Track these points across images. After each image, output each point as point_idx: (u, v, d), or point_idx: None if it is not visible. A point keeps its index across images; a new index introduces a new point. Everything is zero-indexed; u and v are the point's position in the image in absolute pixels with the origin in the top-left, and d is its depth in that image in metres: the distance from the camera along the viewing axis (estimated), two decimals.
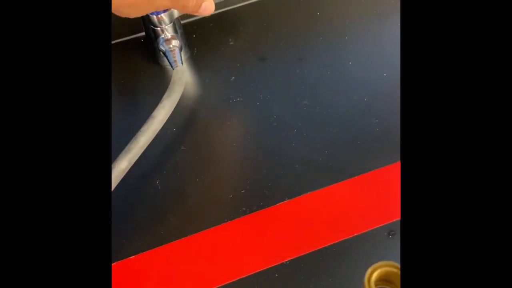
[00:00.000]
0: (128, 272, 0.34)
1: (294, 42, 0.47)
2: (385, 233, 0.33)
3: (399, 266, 0.18)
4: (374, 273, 0.18)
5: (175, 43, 0.42)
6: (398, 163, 0.36)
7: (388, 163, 0.37)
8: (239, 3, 0.51)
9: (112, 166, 0.35)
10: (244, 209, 0.36)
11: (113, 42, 0.50)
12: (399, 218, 0.34)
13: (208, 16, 0.41)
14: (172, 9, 0.42)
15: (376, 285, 0.18)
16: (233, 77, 0.45)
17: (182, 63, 0.41)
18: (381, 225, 0.34)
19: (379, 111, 0.40)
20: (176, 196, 0.38)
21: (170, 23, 0.42)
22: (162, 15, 0.41)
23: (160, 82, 0.45)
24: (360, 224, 0.34)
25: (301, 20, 0.49)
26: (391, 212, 0.34)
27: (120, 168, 0.34)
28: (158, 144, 0.39)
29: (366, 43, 0.46)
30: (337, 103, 0.41)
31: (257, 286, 0.32)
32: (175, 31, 0.42)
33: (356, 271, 0.31)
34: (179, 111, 0.41)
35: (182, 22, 0.47)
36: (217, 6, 0.43)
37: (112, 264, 0.34)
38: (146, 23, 0.42)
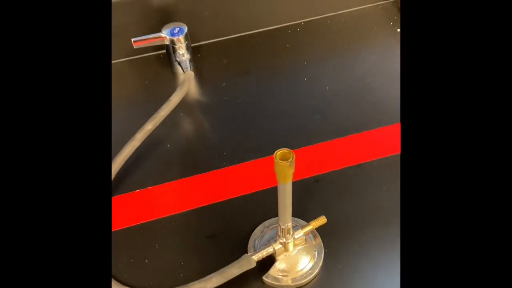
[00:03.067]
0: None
1: (269, 62, 0.68)
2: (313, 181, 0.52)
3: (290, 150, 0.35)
4: (278, 153, 0.36)
5: (187, 56, 0.62)
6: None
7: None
8: (231, 35, 0.72)
9: (141, 127, 0.54)
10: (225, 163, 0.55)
11: (140, 56, 0.70)
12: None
13: (209, 42, 0.61)
14: (185, 31, 0.62)
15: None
16: (224, 83, 0.65)
17: (190, 69, 0.61)
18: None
19: (321, 109, 0.60)
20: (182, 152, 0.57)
21: (184, 43, 0.62)
22: (180, 37, 0.61)
23: (174, 83, 0.65)
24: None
25: (275, 48, 0.70)
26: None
27: (147, 129, 0.53)
28: (170, 120, 0.58)
29: (321, 66, 0.66)
30: (291, 102, 0.61)
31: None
32: (187, 48, 0.63)
33: None
34: (186, 100, 0.61)
35: (191, 45, 0.68)
36: (216, 35, 0.64)
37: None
38: (168, 46, 0.63)
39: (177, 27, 0.62)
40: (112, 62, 0.69)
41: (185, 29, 0.62)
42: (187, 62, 0.62)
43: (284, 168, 0.36)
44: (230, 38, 0.72)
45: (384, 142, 0.56)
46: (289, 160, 0.35)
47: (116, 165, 0.52)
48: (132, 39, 0.61)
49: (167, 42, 0.62)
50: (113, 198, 0.52)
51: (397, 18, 0.72)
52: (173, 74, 0.67)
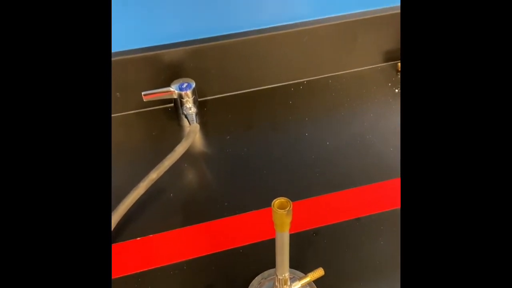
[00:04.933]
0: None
1: (272, 118, 0.70)
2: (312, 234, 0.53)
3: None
4: (275, 202, 0.37)
5: (194, 109, 0.65)
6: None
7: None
8: (236, 91, 0.75)
9: (146, 176, 0.55)
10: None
11: (149, 109, 0.73)
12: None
13: (216, 98, 0.64)
14: (193, 87, 0.65)
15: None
16: (228, 136, 0.67)
17: (196, 123, 0.64)
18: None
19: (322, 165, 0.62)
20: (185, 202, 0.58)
21: (192, 97, 0.65)
22: (188, 91, 0.64)
23: (180, 135, 0.67)
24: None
25: (278, 104, 0.73)
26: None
27: (151, 177, 0.55)
28: (174, 170, 0.60)
29: (322, 123, 0.69)
30: (292, 156, 0.63)
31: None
32: (194, 102, 0.66)
33: None
34: (190, 151, 0.63)
35: (198, 99, 0.71)
36: (223, 91, 0.67)
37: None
38: (176, 100, 0.66)
39: (186, 83, 0.65)
40: (122, 113, 0.72)
41: (193, 85, 0.66)
42: (194, 115, 0.64)
43: (282, 217, 0.37)
44: (235, 94, 0.75)
45: (383, 196, 0.57)
46: (287, 209, 0.36)
47: (120, 212, 0.53)
48: (142, 93, 0.65)
49: (175, 96, 0.65)
50: (113, 245, 0.53)
51: (395, 79, 0.76)
52: (180, 126, 0.69)
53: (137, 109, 0.72)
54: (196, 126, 0.63)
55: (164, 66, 0.70)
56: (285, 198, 0.37)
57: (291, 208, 0.37)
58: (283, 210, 0.36)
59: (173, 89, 0.65)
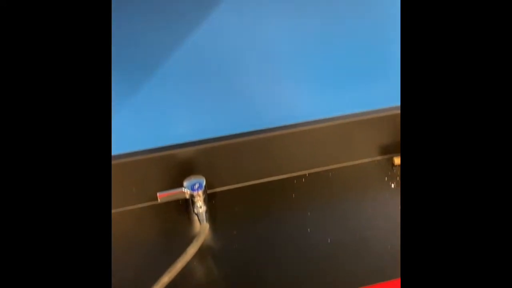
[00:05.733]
0: None
1: (275, 212, 0.75)
2: None
3: None
4: None
5: (204, 208, 0.70)
6: None
7: None
8: (243, 183, 0.81)
9: (158, 280, 0.60)
10: None
11: (161, 202, 0.78)
12: None
13: (223, 190, 0.69)
14: (204, 185, 0.71)
15: None
16: (235, 231, 0.72)
17: (206, 221, 0.69)
18: None
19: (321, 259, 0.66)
20: None
21: (202, 196, 0.71)
22: (199, 191, 0.70)
23: (190, 228, 0.72)
24: None
25: (281, 198, 0.78)
26: None
27: (163, 281, 0.59)
28: (183, 269, 0.64)
29: (324, 218, 0.74)
30: (295, 252, 0.68)
31: None
32: (204, 201, 0.71)
33: None
34: (199, 248, 0.67)
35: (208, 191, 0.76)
36: (229, 182, 0.73)
37: None
38: (188, 199, 0.71)
39: (197, 182, 0.71)
40: (135, 206, 0.77)
41: (203, 183, 0.72)
42: (204, 214, 0.70)
43: None
44: (242, 187, 0.81)
45: None
46: None
47: None
48: (158, 193, 0.70)
49: (187, 196, 0.71)
50: None
51: (391, 173, 0.81)
52: (190, 220, 0.75)
53: (151, 202, 0.78)
54: (205, 227, 0.68)
55: (176, 164, 0.76)
56: None
57: None
58: None
59: (186, 190, 0.70)
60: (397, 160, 0.82)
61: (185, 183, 0.72)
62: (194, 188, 0.70)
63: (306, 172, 0.83)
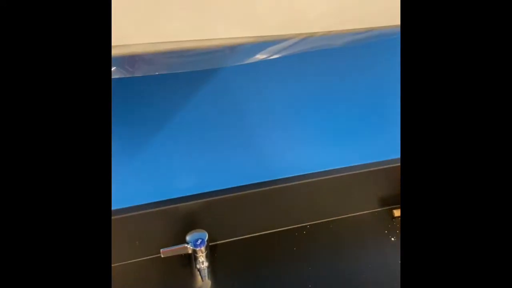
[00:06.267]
0: None
1: (277, 265, 0.76)
2: None
3: None
4: None
5: (206, 264, 0.71)
6: None
7: None
8: (244, 235, 0.82)
9: None
10: None
11: (165, 256, 0.79)
12: None
13: (225, 242, 0.70)
14: (206, 240, 0.72)
15: None
16: (236, 285, 0.73)
17: (207, 278, 0.70)
18: None
19: None
20: None
21: (205, 252, 0.72)
22: (202, 247, 0.71)
23: (192, 281, 0.73)
24: None
25: (282, 250, 0.79)
26: None
27: None
28: None
29: (325, 272, 0.75)
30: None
31: None
32: (206, 256, 0.72)
33: None
34: None
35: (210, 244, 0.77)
36: (231, 235, 0.74)
37: None
38: (191, 254, 0.72)
39: (199, 238, 0.72)
40: (139, 260, 0.78)
41: (206, 238, 0.73)
42: (206, 270, 0.71)
43: None
44: (243, 238, 0.82)
45: None
46: None
47: None
48: (161, 250, 0.71)
49: (190, 251, 0.72)
50: None
51: (391, 226, 0.82)
52: (192, 274, 0.75)
53: (154, 255, 0.79)
54: (208, 284, 0.68)
55: (179, 217, 0.77)
56: None
57: None
58: None
59: (188, 246, 0.71)
60: (396, 212, 0.84)
61: (187, 238, 0.73)
62: (196, 244, 0.71)
63: (307, 224, 0.84)
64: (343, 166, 0.83)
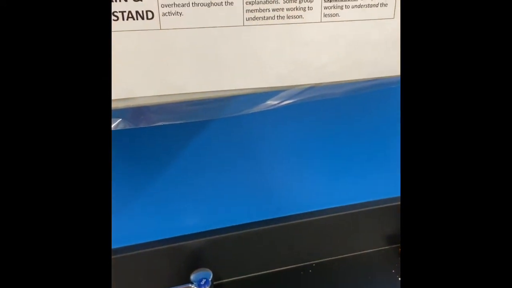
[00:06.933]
0: None
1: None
2: None
3: None
4: None
5: None
6: None
7: None
8: (249, 274, 0.81)
9: None
10: None
11: None
12: None
13: (230, 281, 0.69)
14: (211, 280, 0.71)
15: None
16: None
17: None
18: None
19: None
20: None
21: None
22: (207, 287, 0.70)
23: None
24: None
25: None
26: None
27: None
28: None
29: None
30: None
31: None
32: None
33: None
34: None
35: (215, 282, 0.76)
36: (236, 274, 0.73)
37: None
38: None
39: (204, 277, 0.71)
40: None
41: (210, 277, 0.72)
42: None
43: None
44: (248, 277, 0.81)
45: None
46: None
47: None
48: None
49: None
50: None
51: (398, 265, 0.81)
52: None
53: None
54: None
55: (184, 255, 0.76)
56: None
57: None
58: None
59: (192, 286, 0.70)
60: None
61: (192, 277, 0.72)
62: (201, 284, 0.70)
63: (313, 262, 0.83)
64: (350, 204, 0.83)
